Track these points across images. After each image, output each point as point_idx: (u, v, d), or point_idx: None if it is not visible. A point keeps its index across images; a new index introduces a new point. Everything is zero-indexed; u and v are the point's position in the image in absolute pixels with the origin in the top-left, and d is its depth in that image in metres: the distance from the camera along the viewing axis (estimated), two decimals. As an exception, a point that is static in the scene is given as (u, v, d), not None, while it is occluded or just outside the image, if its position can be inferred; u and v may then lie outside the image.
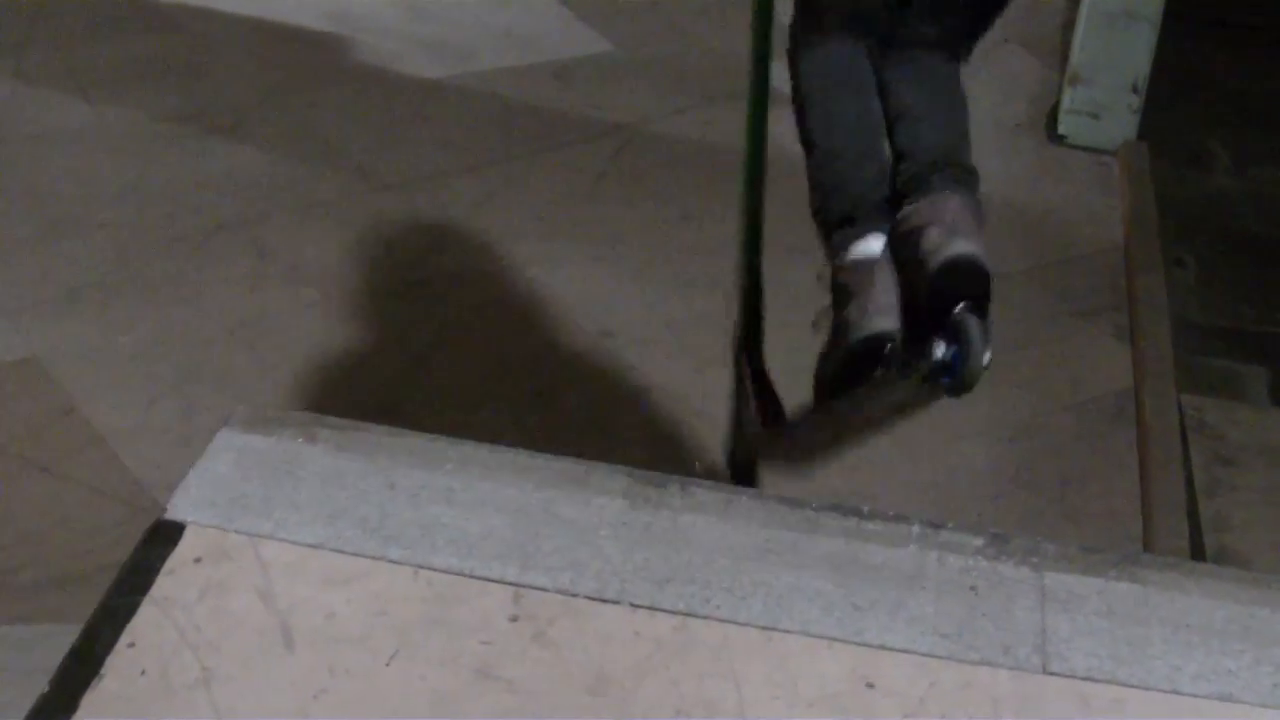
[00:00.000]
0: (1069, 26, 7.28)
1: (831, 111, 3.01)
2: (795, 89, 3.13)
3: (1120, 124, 7.03)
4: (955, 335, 2.68)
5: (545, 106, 7.22)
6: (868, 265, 2.78)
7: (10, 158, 6.38)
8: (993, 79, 7.51)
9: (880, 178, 2.91)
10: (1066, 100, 7.12)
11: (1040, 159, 7.07)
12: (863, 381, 2.74)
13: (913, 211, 2.78)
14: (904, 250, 2.75)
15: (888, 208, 2.86)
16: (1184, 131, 7.20)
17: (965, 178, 2.94)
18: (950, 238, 2.73)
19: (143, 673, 2.23)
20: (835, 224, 2.91)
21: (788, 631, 2.40)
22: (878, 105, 2.97)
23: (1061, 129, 7.16)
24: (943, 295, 2.69)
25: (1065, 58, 7.21)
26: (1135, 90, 6.97)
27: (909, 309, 2.74)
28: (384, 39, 7.62)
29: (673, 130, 7.09)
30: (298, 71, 7.30)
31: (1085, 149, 7.08)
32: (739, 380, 3.31)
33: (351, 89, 7.24)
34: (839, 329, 2.81)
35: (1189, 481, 4.73)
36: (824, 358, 2.86)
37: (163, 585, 2.38)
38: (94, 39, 7.34)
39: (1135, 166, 6.84)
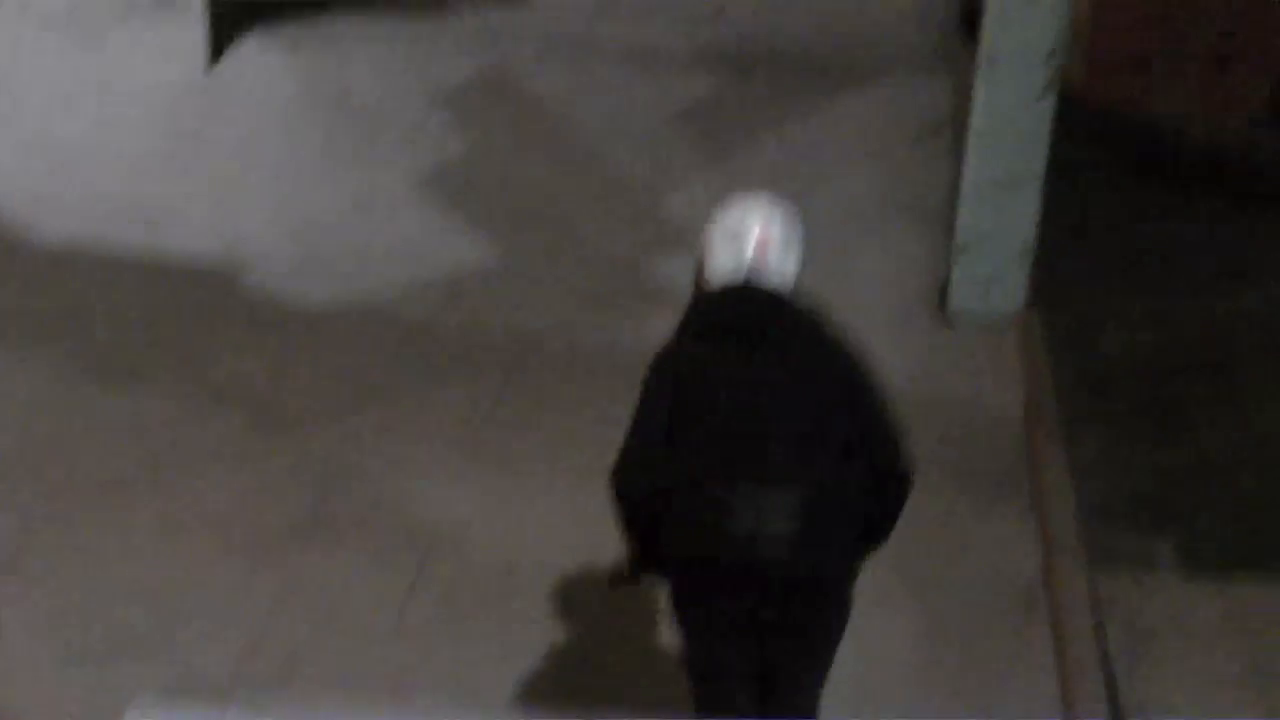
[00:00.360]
0: (955, 196, 7.44)
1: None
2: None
3: (1011, 292, 7.19)
4: None
5: (438, 324, 7.30)
6: None
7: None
8: (881, 254, 7.70)
9: None
10: (956, 272, 7.27)
11: (933, 334, 7.20)
12: None
13: None
14: None
15: None
16: (1076, 291, 7.36)
17: None
18: None
19: None
20: None
21: None
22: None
23: (953, 302, 7.30)
24: None
25: (953, 229, 7.36)
26: (1023, 256, 7.14)
27: None
28: (272, 264, 7.69)
29: (567, 341, 7.18)
30: (188, 309, 7.35)
31: (978, 320, 7.22)
32: None
33: (243, 323, 7.29)
34: None
35: (1106, 663, 4.76)
36: None
37: None
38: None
39: (1029, 335, 6.98)
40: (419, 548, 5.64)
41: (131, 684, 4.74)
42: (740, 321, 4.00)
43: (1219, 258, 7.67)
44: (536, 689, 4.93)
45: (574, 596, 5.36)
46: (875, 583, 3.70)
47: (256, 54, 8.96)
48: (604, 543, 5.50)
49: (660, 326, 6.98)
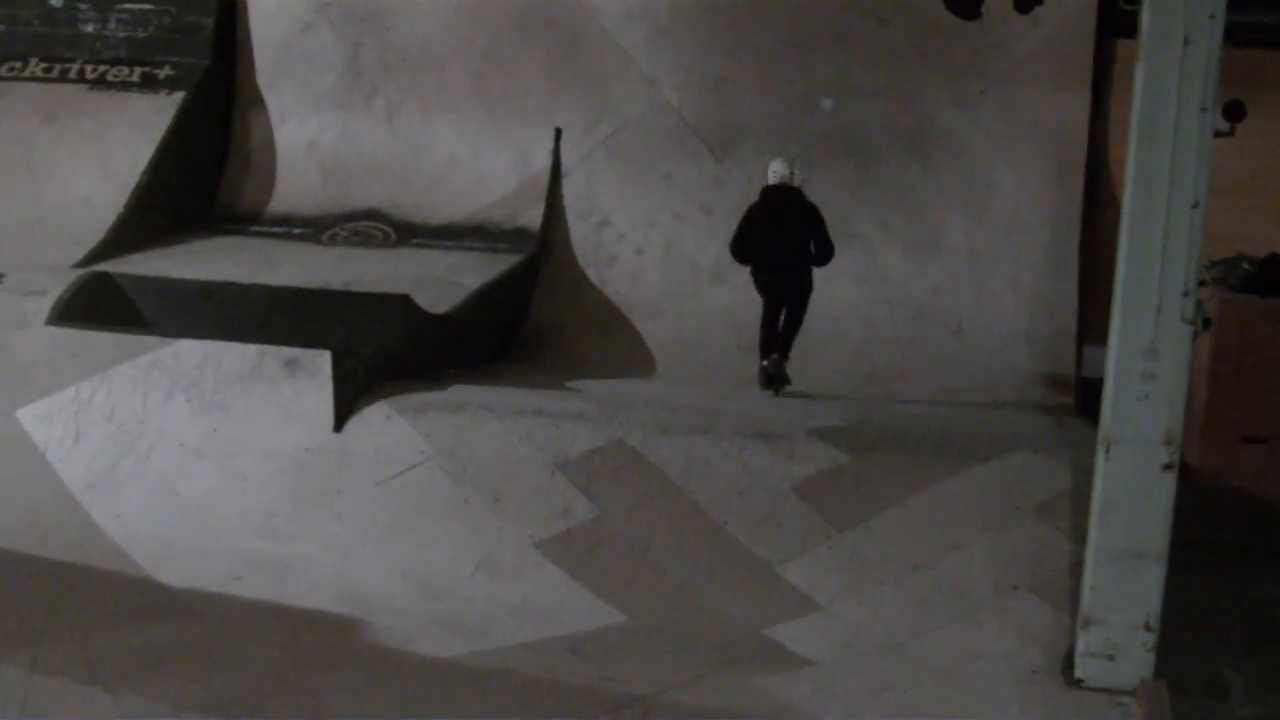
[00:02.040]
0: (1077, 569, 8.07)
1: (765, 321, 11.49)
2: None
3: (1136, 663, 7.68)
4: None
5: (562, 681, 7.87)
6: (764, 366, 11.34)
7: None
8: (1005, 627, 8.27)
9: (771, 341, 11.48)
10: (1081, 644, 7.81)
11: (1059, 704, 7.67)
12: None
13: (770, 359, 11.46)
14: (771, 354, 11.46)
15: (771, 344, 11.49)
16: (1199, 662, 7.87)
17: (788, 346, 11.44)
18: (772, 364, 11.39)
19: None
20: (761, 349, 11.44)
21: None
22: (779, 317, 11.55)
23: (1078, 672, 7.81)
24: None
25: (1076, 601, 7.97)
26: (1149, 628, 7.66)
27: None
28: (398, 619, 8.38)
29: (690, 699, 7.70)
30: (312, 656, 7.98)
31: (1104, 691, 7.70)
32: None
33: (365, 671, 7.88)
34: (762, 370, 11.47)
35: None
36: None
37: None
38: (112, 629, 8.10)
39: (1155, 705, 7.40)
40: None
41: None
42: (776, 193, 11.21)
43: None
44: None
45: None
46: None
47: (382, 419, 9.78)
48: None
49: (780, 688, 7.61)
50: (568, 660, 8.11)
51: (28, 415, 9.93)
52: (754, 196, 11.36)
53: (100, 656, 7.78)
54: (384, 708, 7.52)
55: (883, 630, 8.30)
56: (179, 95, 13.29)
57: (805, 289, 11.30)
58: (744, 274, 11.89)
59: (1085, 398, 10.50)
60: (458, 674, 7.90)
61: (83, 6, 13.88)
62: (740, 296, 11.94)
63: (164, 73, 13.49)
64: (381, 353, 10.16)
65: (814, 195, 11.24)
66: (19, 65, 13.71)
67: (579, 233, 12.58)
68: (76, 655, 7.75)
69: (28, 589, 8.52)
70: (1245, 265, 10.54)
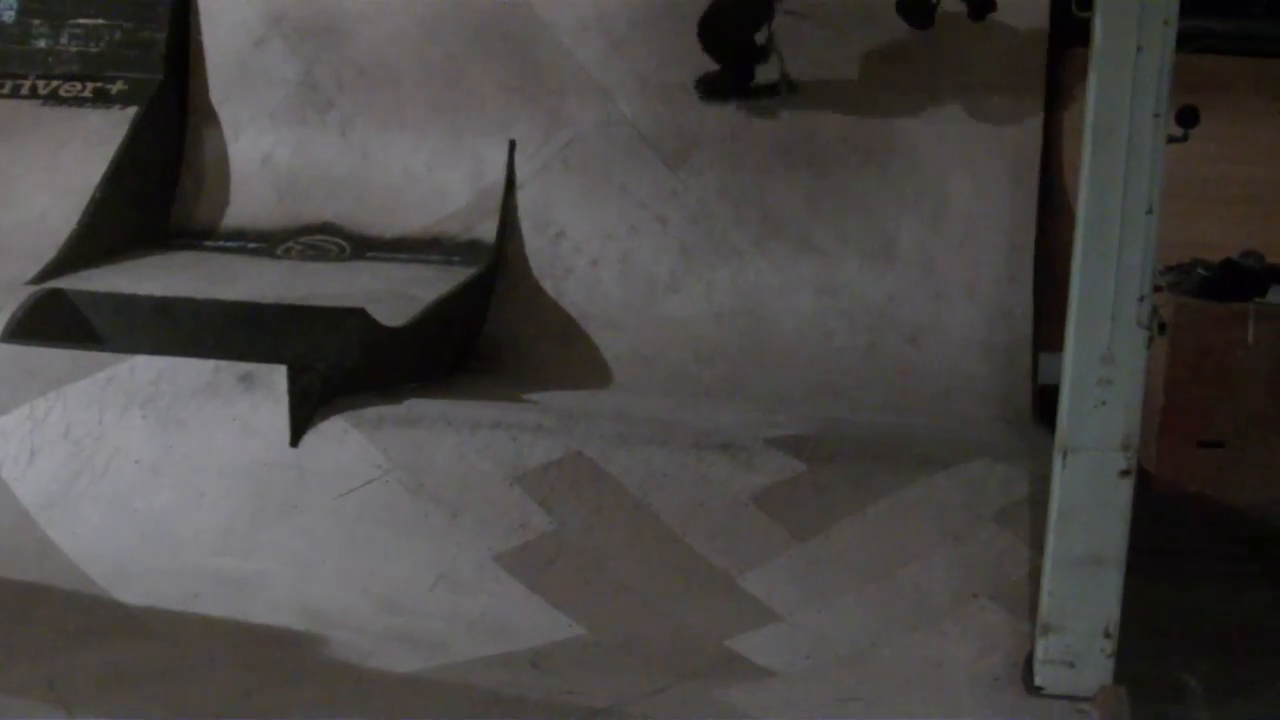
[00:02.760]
0: (1036, 576, 8.09)
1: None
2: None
3: (1096, 670, 7.70)
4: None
5: (522, 695, 7.82)
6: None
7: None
8: (965, 634, 8.29)
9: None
10: (1040, 651, 7.81)
11: (1019, 711, 7.69)
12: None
13: None
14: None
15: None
16: (1158, 667, 7.89)
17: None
18: None
19: None
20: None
21: None
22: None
23: (1038, 680, 7.81)
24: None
25: (1035, 608, 7.98)
26: (1108, 634, 7.68)
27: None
28: (358, 635, 8.34)
29: (651, 711, 7.67)
30: (272, 672, 7.93)
31: (1063, 698, 7.72)
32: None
33: (325, 687, 7.83)
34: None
35: None
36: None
37: None
38: (71, 648, 8.03)
39: (1115, 711, 7.46)
40: None
41: None
42: None
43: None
44: None
45: None
46: None
47: (339, 433, 9.72)
48: None
49: (742, 699, 7.62)
50: (528, 674, 8.08)
51: (-19, 434, 9.87)
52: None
53: (59, 676, 7.70)
54: (342, 721, 7.51)
55: (844, 640, 8.30)
56: (132, 110, 13.18)
57: (749, 73, 12.78)
58: (701, 285, 11.93)
59: (1042, 405, 10.56)
60: (418, 689, 7.85)
61: (35, 22, 13.75)
62: (697, 308, 11.96)
63: (117, 88, 13.37)
64: (338, 367, 10.10)
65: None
66: (-30, 83, 13.64)
67: (534, 245, 12.56)
68: (35, 675, 7.67)
69: (-16, 609, 8.47)
70: (1200, 270, 10.63)
